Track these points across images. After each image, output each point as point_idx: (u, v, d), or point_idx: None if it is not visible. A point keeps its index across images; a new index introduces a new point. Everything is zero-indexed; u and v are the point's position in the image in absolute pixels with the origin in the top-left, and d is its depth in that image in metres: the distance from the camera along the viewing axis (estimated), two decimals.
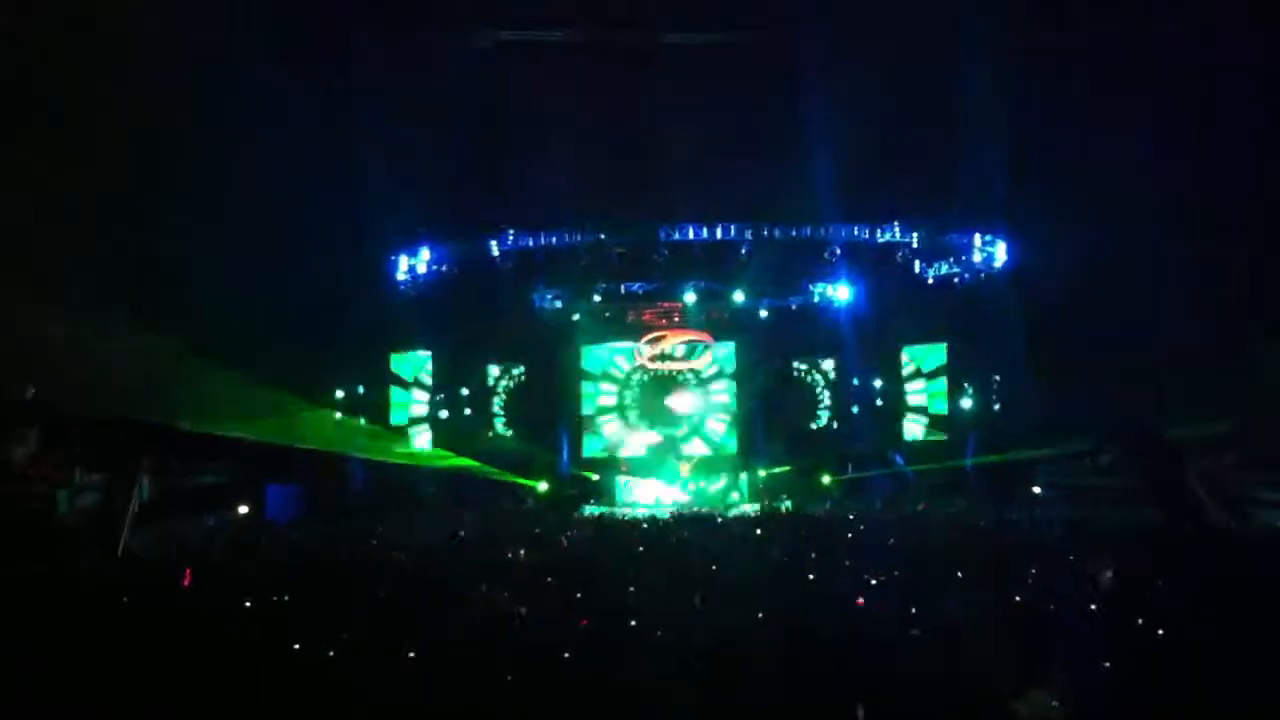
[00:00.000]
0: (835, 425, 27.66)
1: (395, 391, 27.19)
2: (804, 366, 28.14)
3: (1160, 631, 6.80)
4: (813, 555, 12.09)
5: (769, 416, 27.17)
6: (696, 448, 28.09)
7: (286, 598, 8.31)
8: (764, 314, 27.30)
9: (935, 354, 27.25)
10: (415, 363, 27.33)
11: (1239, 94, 15.55)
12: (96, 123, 14.88)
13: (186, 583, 8.75)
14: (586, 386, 28.25)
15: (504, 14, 20.28)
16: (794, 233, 25.16)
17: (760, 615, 8.11)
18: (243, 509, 19.05)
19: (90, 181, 14.33)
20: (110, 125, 14.97)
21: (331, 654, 6.51)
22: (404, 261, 25.74)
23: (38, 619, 6.19)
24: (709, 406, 28.27)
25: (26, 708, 4.88)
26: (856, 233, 25.11)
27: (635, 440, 28.22)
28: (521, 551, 13.11)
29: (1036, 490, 20.56)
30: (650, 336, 27.86)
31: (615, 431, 28.26)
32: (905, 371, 27.45)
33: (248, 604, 8.13)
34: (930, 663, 6.45)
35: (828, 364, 27.99)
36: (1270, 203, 15.65)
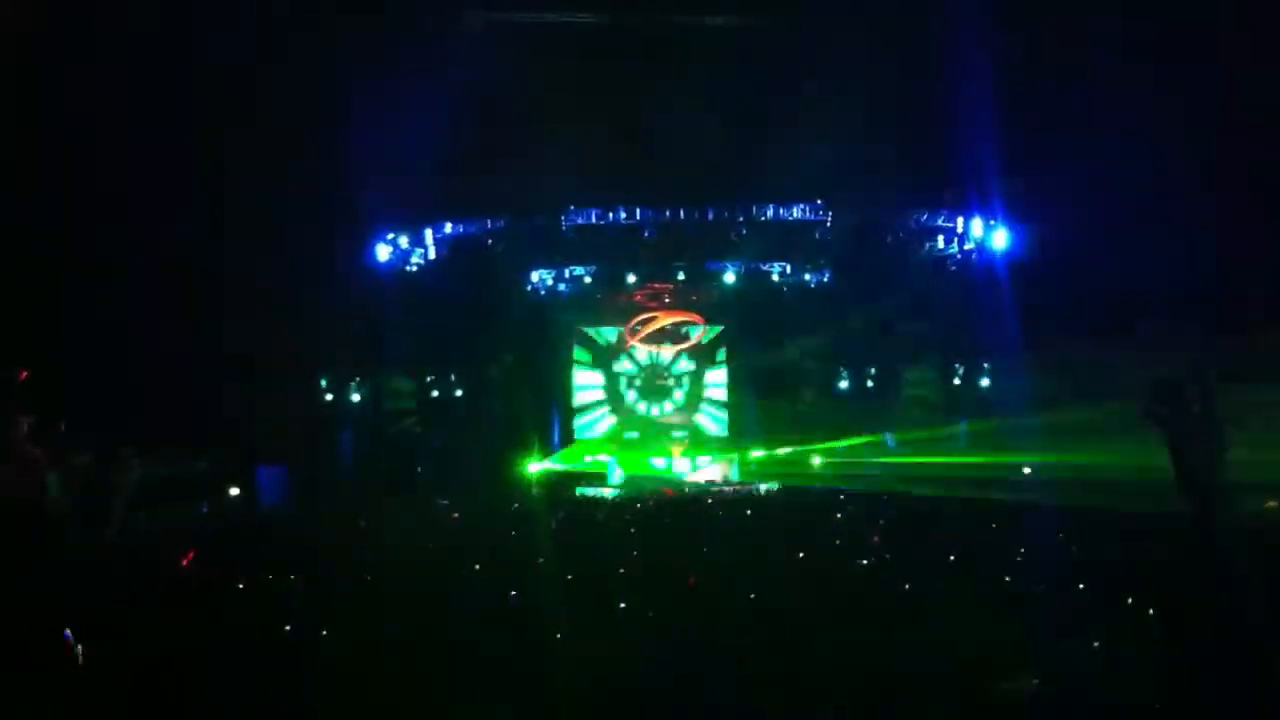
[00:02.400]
0: (827, 406, 27.68)
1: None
2: (796, 347, 28.12)
3: (1151, 612, 6.85)
4: (802, 535, 12.17)
5: (761, 397, 27.20)
6: (688, 429, 28.12)
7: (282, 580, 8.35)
8: (756, 295, 27.24)
9: (927, 334, 27.25)
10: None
11: (1233, 73, 15.49)
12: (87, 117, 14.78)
13: (186, 563, 8.80)
14: (576, 368, 28.23)
15: None
16: (785, 213, 25.05)
17: (752, 596, 8.17)
18: (234, 491, 19.06)
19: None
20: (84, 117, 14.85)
21: (325, 633, 6.53)
22: (389, 244, 25.51)
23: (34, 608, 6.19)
24: (700, 387, 28.29)
25: (24, 703, 4.89)
26: (849, 212, 25.01)
27: (626, 421, 28.23)
28: (512, 533, 13.17)
29: (1027, 471, 20.65)
30: (641, 318, 27.79)
31: (605, 413, 28.27)
32: (898, 352, 27.45)
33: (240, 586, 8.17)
34: (917, 641, 6.51)
35: (820, 344, 27.96)
36: (1269, 181, 15.61)
